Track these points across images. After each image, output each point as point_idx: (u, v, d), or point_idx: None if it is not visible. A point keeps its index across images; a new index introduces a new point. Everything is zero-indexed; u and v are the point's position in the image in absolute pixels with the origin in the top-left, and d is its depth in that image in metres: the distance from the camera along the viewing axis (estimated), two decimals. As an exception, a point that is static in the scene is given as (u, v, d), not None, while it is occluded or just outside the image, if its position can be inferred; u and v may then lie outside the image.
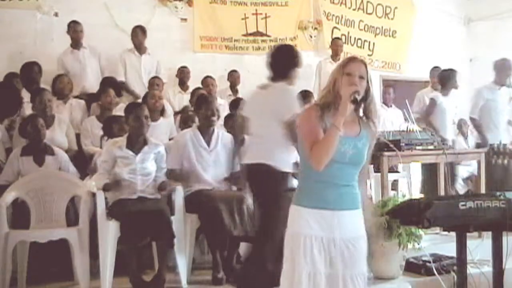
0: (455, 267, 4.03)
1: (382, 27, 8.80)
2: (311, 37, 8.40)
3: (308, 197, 2.58)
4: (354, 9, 8.75)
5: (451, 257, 4.26)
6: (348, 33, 8.68)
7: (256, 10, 8.09)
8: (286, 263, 2.54)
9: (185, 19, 7.70)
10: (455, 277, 3.97)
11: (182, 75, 6.76)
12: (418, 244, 4.30)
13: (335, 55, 7.58)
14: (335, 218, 2.52)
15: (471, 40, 9.26)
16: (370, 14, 8.77)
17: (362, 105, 2.56)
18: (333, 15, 8.57)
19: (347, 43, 8.55)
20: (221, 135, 4.60)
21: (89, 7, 6.58)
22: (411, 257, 4.13)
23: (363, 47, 8.60)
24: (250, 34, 8.10)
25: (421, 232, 4.19)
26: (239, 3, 8.03)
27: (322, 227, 2.53)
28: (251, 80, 6.50)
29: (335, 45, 7.71)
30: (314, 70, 7.56)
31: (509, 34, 8.56)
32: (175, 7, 7.53)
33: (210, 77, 6.78)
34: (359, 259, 2.58)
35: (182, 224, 4.18)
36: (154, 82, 6.06)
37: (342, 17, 8.64)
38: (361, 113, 2.60)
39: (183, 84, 6.69)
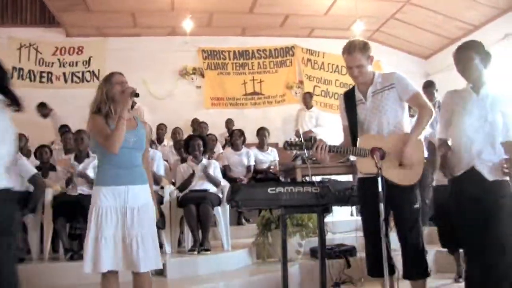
0: (347, 253, 5.11)
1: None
2: (296, 93, 10.71)
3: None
4: (331, 72, 10.99)
5: (350, 246, 5.32)
6: (327, 89, 10.94)
7: (253, 77, 10.62)
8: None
9: (200, 87, 10.39)
10: (345, 260, 5.01)
11: (195, 124, 9.19)
12: (307, 234, 5.32)
13: (306, 105, 9.62)
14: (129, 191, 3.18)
15: None
16: (344, 74, 10.63)
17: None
18: (314, 77, 10.90)
19: (326, 96, 10.89)
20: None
21: (132, 82, 9.10)
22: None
23: None
24: (249, 94, 10.57)
25: (310, 223, 5.28)
26: (240, 73, 10.59)
27: (116, 199, 3.16)
28: (250, 126, 8.94)
29: (304, 98, 9.75)
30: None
31: (460, 81, 10.46)
32: (191, 79, 10.30)
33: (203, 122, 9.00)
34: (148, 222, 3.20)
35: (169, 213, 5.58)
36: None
37: (321, 78, 10.94)
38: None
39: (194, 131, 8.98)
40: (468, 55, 3.27)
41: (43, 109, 8.82)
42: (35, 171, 5.48)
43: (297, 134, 8.48)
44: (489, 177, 3.20)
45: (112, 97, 3.27)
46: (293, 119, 9.82)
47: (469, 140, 3.26)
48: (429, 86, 6.46)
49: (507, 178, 3.21)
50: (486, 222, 3.10)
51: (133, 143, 3.27)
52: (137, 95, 3.28)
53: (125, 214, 3.15)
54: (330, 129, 9.00)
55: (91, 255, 3.09)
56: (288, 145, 3.58)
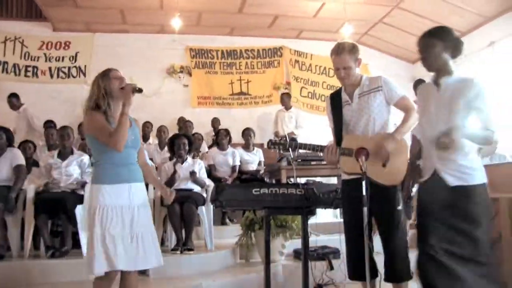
0: (330, 255, 5.12)
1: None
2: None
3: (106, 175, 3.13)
4: (318, 74, 11.03)
5: (334, 249, 5.28)
6: (314, 90, 10.97)
7: (240, 77, 10.61)
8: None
9: (187, 85, 10.36)
10: (328, 262, 5.00)
11: (181, 123, 9.18)
12: (291, 236, 5.26)
13: (284, 105, 9.61)
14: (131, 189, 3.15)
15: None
16: (331, 77, 10.74)
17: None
18: (301, 78, 10.94)
19: (313, 98, 10.92)
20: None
21: None
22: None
23: None
24: (236, 94, 10.56)
25: (293, 225, 5.22)
26: (227, 72, 10.58)
27: (118, 197, 3.09)
28: (236, 126, 8.95)
29: (282, 99, 9.72)
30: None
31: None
32: (179, 77, 10.27)
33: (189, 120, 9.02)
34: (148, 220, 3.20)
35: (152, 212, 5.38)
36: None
37: (308, 79, 10.97)
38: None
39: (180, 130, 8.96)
40: (430, 42, 3.00)
41: (15, 100, 8.66)
42: (23, 162, 5.54)
43: (276, 135, 8.48)
44: (452, 182, 2.94)
45: (110, 93, 3.17)
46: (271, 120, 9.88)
47: (428, 141, 3.06)
48: (419, 85, 6.37)
49: (476, 182, 2.92)
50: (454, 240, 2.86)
51: (131, 141, 3.21)
52: (140, 90, 3.22)
53: (130, 212, 3.12)
54: (315, 130, 9.06)
55: (102, 254, 2.98)
56: (272, 143, 3.60)
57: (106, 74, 3.22)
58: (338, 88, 3.76)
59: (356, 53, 3.48)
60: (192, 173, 5.84)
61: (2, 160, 5.47)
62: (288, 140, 3.66)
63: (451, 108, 2.94)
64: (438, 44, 2.98)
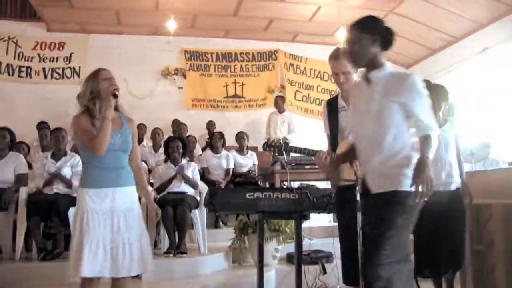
0: (323, 259, 5.18)
1: (336, 90, 10.97)
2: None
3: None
4: (313, 77, 11.00)
5: (327, 253, 5.37)
6: (308, 94, 10.94)
7: (235, 79, 10.60)
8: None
9: (181, 87, 10.33)
10: (321, 267, 4.99)
11: (175, 125, 9.15)
12: (284, 240, 5.27)
13: (278, 108, 9.52)
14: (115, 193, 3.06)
15: None
16: (326, 80, 10.81)
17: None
18: (296, 82, 10.92)
19: (307, 102, 10.90)
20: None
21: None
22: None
23: (321, 105, 10.66)
24: (230, 97, 10.54)
25: (287, 229, 5.23)
26: (222, 75, 10.57)
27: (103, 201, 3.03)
28: (230, 129, 9.05)
29: (276, 102, 9.61)
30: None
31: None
32: (173, 79, 10.24)
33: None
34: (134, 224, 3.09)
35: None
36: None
37: (303, 83, 10.96)
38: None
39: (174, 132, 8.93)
40: (357, 36, 2.78)
41: None
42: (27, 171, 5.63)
43: (268, 140, 8.37)
44: (374, 188, 2.79)
45: (97, 95, 3.10)
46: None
47: (356, 142, 2.95)
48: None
49: (404, 188, 2.66)
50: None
51: (120, 145, 3.12)
52: (115, 96, 3.10)
53: (112, 217, 3.03)
54: (309, 134, 9.04)
55: (77, 259, 2.92)
56: (268, 145, 3.59)
57: (94, 75, 3.16)
58: (332, 92, 3.78)
59: None
60: (180, 168, 5.82)
61: (5, 163, 5.53)
62: (282, 143, 3.62)
63: (382, 104, 2.73)
64: (365, 37, 2.75)
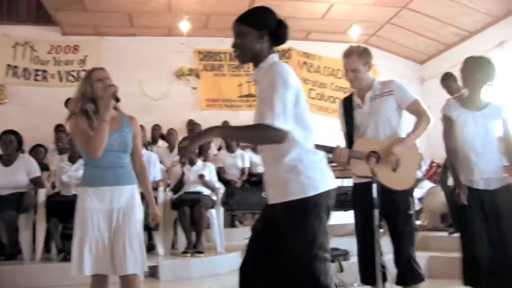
0: (340, 258, 5.16)
1: (350, 88, 10.96)
2: None
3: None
4: (326, 75, 10.97)
5: (343, 250, 5.31)
6: (322, 92, 10.92)
7: (249, 79, 10.36)
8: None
9: (195, 88, 10.35)
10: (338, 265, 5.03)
11: (190, 126, 9.16)
12: None
13: None
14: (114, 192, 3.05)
15: (426, 95, 11.14)
16: (340, 78, 10.65)
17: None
18: (310, 80, 10.88)
19: (321, 100, 10.87)
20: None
21: (127, 82, 7.58)
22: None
23: (335, 102, 10.40)
24: (244, 96, 10.53)
25: None
26: (235, 75, 10.54)
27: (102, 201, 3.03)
28: None
29: None
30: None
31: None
32: (187, 79, 10.25)
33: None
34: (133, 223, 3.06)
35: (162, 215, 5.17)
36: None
37: (317, 81, 10.93)
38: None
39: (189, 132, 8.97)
40: (240, 30, 2.51)
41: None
42: (40, 172, 5.61)
43: None
44: (268, 199, 2.55)
45: (91, 96, 3.07)
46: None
47: None
48: (446, 79, 6.03)
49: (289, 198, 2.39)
50: None
51: (118, 145, 3.09)
52: (117, 99, 3.05)
53: (111, 216, 3.02)
54: (324, 132, 8.99)
55: (76, 257, 2.97)
56: None
57: (88, 76, 3.13)
58: (346, 89, 3.79)
59: (366, 57, 3.49)
60: (201, 176, 5.85)
61: (16, 167, 5.52)
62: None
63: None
64: (249, 31, 2.49)
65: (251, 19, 2.51)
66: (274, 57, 2.50)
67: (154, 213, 3.34)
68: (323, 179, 2.41)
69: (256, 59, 2.52)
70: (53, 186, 5.66)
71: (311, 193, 2.34)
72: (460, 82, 3.92)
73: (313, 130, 2.46)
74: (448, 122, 3.70)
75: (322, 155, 2.49)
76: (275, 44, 2.54)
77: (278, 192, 2.41)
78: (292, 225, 2.37)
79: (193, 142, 2.34)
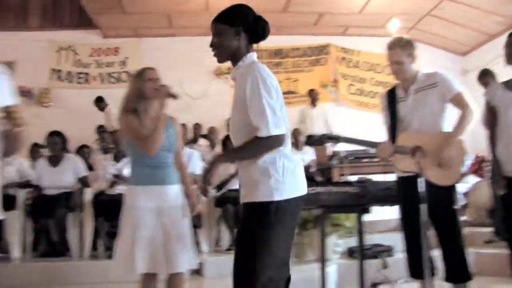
0: (383, 254, 5.08)
1: (390, 82, 10.86)
2: (330, 92, 10.64)
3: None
4: (366, 70, 10.86)
5: (387, 246, 5.32)
6: (362, 87, 10.82)
7: (288, 76, 10.61)
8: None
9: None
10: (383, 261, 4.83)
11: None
12: (345, 234, 5.20)
13: (312, 102, 9.30)
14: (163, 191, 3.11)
15: (468, 87, 10.88)
16: (379, 73, 10.66)
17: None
18: (349, 75, 10.81)
19: (361, 95, 10.78)
20: None
21: (167, 82, 9.26)
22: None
23: (375, 97, 10.29)
24: (284, 93, 10.50)
25: (349, 224, 5.14)
26: (274, 72, 10.34)
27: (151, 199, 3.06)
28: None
29: (311, 95, 9.33)
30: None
31: (500, 77, 10.11)
32: (226, 78, 10.26)
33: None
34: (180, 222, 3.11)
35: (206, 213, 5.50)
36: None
37: (356, 76, 10.83)
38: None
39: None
40: (217, 29, 2.49)
41: (100, 103, 9.09)
42: (86, 172, 5.79)
43: (295, 133, 8.08)
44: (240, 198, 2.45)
45: (143, 94, 3.11)
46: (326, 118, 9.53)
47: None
48: (484, 75, 6.01)
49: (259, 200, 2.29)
50: None
51: (166, 144, 3.14)
52: (175, 96, 3.11)
53: (161, 214, 3.06)
54: (364, 127, 8.91)
55: (126, 256, 2.99)
56: (327, 137, 3.58)
57: (140, 75, 3.16)
58: (387, 84, 3.75)
59: (409, 49, 3.45)
60: None
61: (64, 168, 5.69)
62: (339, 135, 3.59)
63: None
64: (225, 29, 2.44)
65: (227, 17, 2.48)
66: (252, 55, 2.47)
67: (194, 204, 3.33)
68: (293, 185, 2.32)
69: (234, 57, 2.47)
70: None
71: (277, 197, 2.24)
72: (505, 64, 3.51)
73: (287, 130, 2.39)
74: (489, 108, 3.59)
75: (297, 160, 2.42)
76: (255, 41, 2.49)
77: (248, 192, 2.33)
78: (248, 227, 2.30)
79: (206, 183, 2.38)
